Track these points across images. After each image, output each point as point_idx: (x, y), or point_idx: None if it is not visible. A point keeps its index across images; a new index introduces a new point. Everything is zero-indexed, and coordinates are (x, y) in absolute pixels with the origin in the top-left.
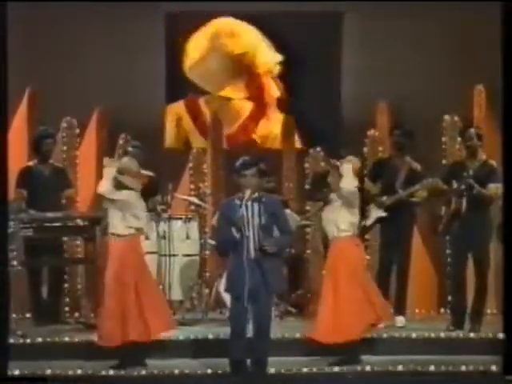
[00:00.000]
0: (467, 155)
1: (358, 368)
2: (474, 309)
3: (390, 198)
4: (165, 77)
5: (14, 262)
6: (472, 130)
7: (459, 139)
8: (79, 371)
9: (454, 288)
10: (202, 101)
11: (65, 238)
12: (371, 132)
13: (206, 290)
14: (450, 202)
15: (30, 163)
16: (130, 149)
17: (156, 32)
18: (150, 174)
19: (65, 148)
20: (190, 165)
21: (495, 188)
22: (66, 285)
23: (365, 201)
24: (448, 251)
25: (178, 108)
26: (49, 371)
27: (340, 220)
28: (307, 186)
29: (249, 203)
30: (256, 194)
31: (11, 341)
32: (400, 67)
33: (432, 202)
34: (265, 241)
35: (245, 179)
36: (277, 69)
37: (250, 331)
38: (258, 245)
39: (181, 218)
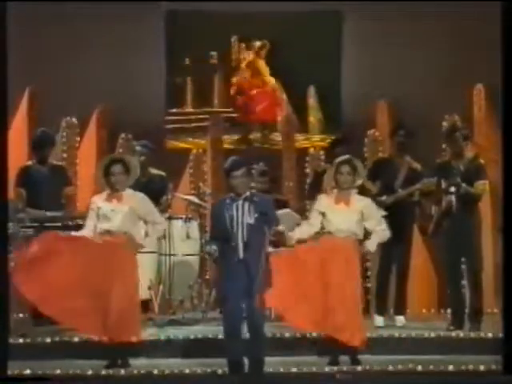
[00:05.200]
0: (453, 156)
1: (358, 368)
2: (471, 308)
3: (390, 197)
4: (165, 76)
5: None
6: (457, 135)
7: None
8: (79, 371)
9: (452, 288)
10: None
11: None
12: (371, 132)
13: (206, 290)
14: (440, 202)
15: (29, 162)
16: (138, 148)
17: (156, 31)
18: (162, 173)
19: (65, 148)
20: (190, 164)
21: (482, 185)
22: None
23: None
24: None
25: None
26: (48, 371)
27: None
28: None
29: (240, 202)
30: (248, 194)
31: (11, 341)
32: (400, 67)
33: (422, 202)
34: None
35: (234, 180)
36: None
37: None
38: (246, 245)
39: (181, 218)
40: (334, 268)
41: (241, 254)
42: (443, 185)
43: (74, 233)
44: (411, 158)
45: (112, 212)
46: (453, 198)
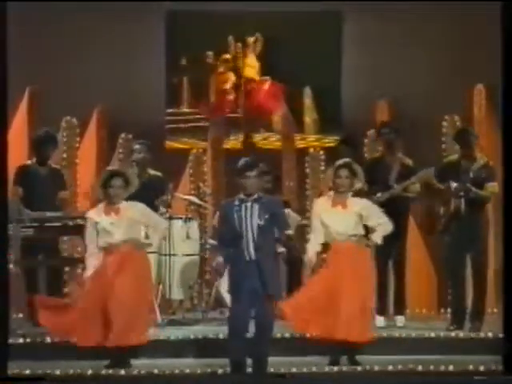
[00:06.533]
0: (463, 156)
1: (359, 368)
2: (473, 308)
3: (385, 193)
4: (165, 76)
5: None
6: (471, 137)
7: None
8: (79, 371)
9: (454, 288)
10: None
11: (64, 238)
12: (371, 132)
13: (206, 290)
14: (448, 202)
15: (28, 162)
16: (136, 146)
17: (156, 31)
18: (158, 173)
19: (65, 148)
20: (190, 165)
21: (492, 187)
22: (65, 284)
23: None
24: (446, 251)
25: None
26: (49, 371)
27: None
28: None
29: (248, 204)
30: (256, 195)
31: (11, 341)
32: (400, 67)
33: (429, 200)
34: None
35: (247, 180)
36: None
37: (250, 331)
38: (256, 245)
39: (181, 218)
40: (342, 271)
41: (252, 254)
42: (452, 187)
43: (88, 273)
44: (411, 157)
45: (112, 225)
46: (462, 201)
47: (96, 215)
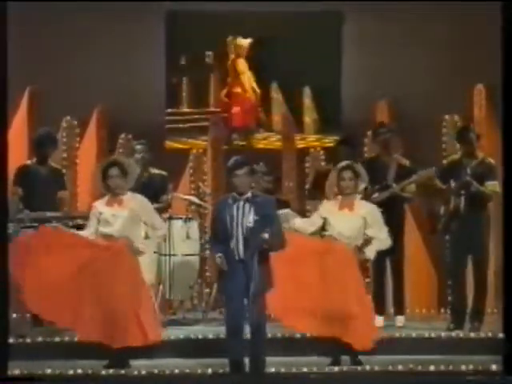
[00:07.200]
0: (464, 154)
1: (359, 368)
2: (474, 308)
3: (384, 193)
4: (165, 76)
5: None
6: (471, 135)
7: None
8: (79, 371)
9: (454, 287)
10: None
11: None
12: (371, 132)
13: (206, 290)
14: (449, 201)
15: (28, 162)
16: (138, 146)
17: (156, 31)
18: (163, 172)
19: (65, 148)
20: (190, 164)
21: (493, 185)
22: None
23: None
24: (447, 250)
25: None
26: (49, 371)
27: None
28: (307, 186)
29: (241, 203)
30: (249, 194)
31: (11, 341)
32: (400, 67)
33: (430, 200)
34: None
35: (237, 179)
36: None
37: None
38: (246, 245)
39: (181, 218)
40: (332, 269)
41: (241, 253)
42: (453, 185)
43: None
44: (411, 158)
45: (113, 217)
46: (462, 199)
47: (100, 205)
